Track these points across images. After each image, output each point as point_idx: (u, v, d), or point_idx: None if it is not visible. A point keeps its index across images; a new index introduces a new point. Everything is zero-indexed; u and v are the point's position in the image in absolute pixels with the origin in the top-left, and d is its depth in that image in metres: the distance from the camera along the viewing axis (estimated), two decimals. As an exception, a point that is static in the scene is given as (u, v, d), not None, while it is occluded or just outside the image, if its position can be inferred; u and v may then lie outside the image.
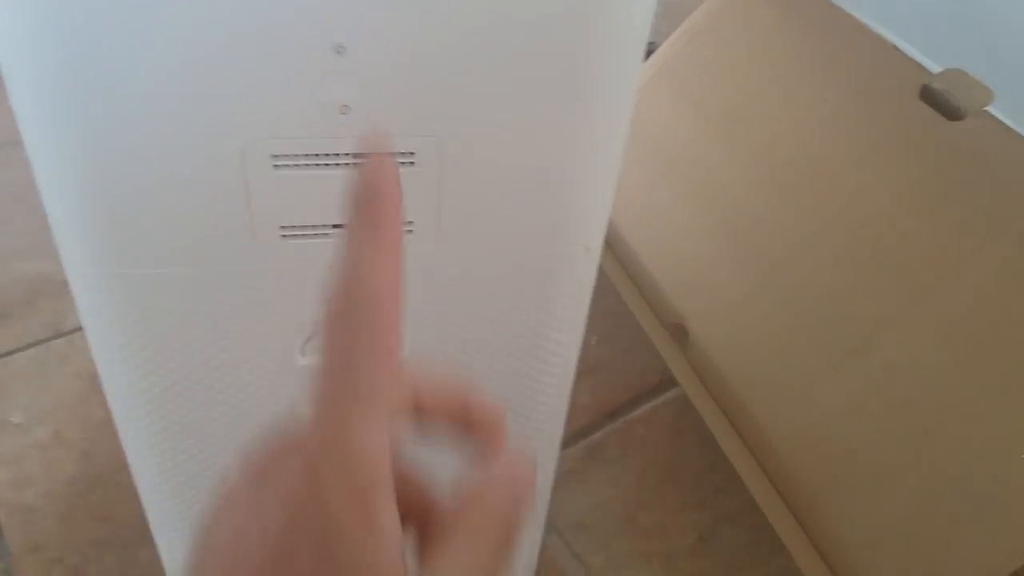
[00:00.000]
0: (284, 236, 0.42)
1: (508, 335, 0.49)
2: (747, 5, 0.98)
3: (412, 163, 0.40)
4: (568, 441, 0.88)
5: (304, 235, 0.42)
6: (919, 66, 0.85)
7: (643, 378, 0.95)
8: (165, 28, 0.34)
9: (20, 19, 0.34)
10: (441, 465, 0.22)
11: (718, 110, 0.96)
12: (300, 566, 0.18)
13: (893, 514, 0.72)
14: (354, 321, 0.19)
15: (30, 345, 0.93)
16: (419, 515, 0.22)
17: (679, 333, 0.95)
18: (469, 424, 0.22)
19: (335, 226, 0.42)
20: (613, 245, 1.04)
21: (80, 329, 0.98)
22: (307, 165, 0.39)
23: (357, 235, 0.20)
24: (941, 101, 0.82)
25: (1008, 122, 0.76)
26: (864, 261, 0.79)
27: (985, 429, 0.68)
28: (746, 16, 0.98)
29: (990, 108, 0.79)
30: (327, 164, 0.39)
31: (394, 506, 0.18)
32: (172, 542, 0.59)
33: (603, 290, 0.77)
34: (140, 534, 0.77)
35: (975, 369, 0.69)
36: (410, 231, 0.43)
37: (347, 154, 0.39)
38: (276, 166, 0.39)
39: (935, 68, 0.83)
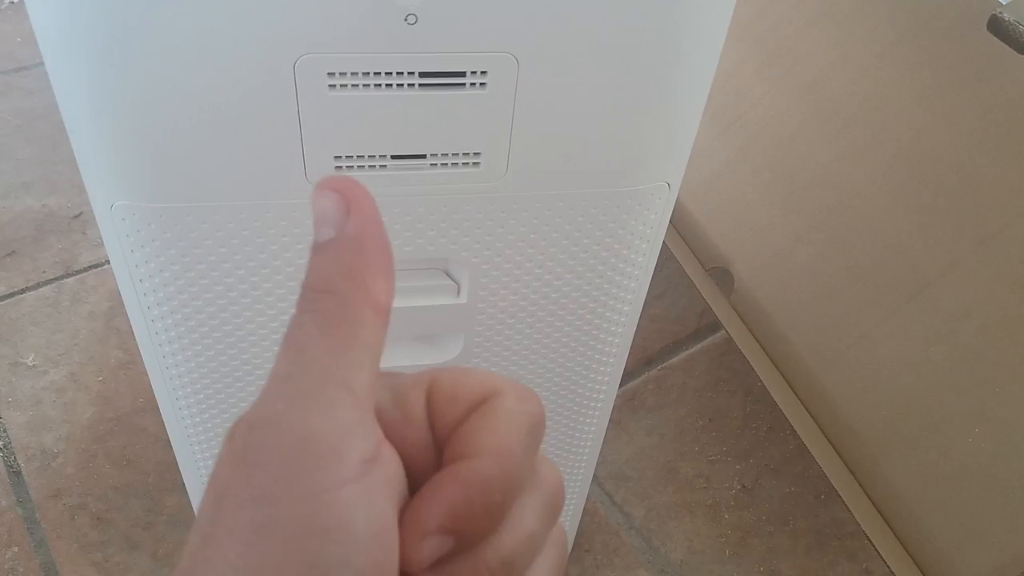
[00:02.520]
0: (338, 167, 0.37)
1: (577, 277, 0.45)
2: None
3: (483, 84, 0.35)
4: (604, 388, 0.85)
5: (360, 166, 0.37)
6: (987, -7, 0.79)
7: (680, 324, 0.91)
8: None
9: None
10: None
11: (761, 41, 0.90)
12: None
13: (953, 466, 0.69)
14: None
15: (40, 284, 0.89)
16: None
17: (723, 277, 0.91)
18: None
19: (394, 157, 0.37)
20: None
21: (92, 268, 0.94)
22: (366, 85, 0.35)
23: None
24: (1011, 32, 0.76)
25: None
26: (925, 203, 0.75)
27: (1053, 381, 0.65)
28: (798, -62, 0.91)
29: (1065, 39, 0.74)
30: (388, 84, 0.35)
31: (368, 494, 0.15)
32: (202, 489, 0.56)
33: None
34: (165, 480, 0.75)
35: (1045, 318, 0.66)
36: (476, 164, 0.38)
37: (411, 73, 0.35)
38: (332, 85, 0.34)
39: (1004, -4, 0.77)
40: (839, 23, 0.84)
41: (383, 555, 0.15)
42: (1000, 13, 0.75)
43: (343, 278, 0.17)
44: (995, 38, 0.75)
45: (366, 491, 0.15)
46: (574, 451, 0.59)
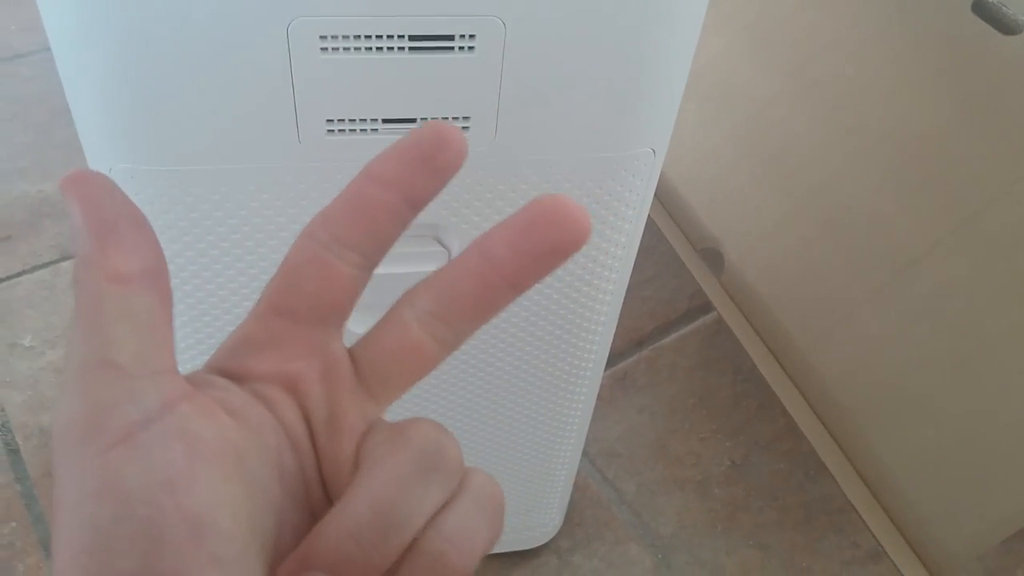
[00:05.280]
0: (330, 131, 0.38)
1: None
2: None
3: (472, 48, 0.36)
4: (596, 368, 0.86)
5: (352, 130, 0.38)
6: (972, -23, 0.80)
7: (671, 305, 0.93)
8: None
9: None
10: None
11: (750, 27, 0.91)
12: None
13: (939, 440, 0.70)
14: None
15: (37, 267, 0.90)
16: None
17: (713, 257, 0.92)
18: None
19: (385, 121, 0.38)
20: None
21: (88, 252, 0.94)
22: (357, 48, 0.35)
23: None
24: (995, 14, 0.77)
25: (1072, 34, 0.72)
26: (910, 183, 0.76)
27: (1035, 355, 0.66)
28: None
29: (1048, 21, 0.75)
30: (379, 48, 0.36)
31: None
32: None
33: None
34: (161, 458, 0.76)
35: (1027, 293, 0.67)
36: (466, 128, 0.39)
37: (401, 36, 0.35)
38: (324, 48, 0.35)
39: (989, -21, 0.78)
40: (827, 6, 0.85)
41: (177, 500, 0.16)
42: (984, -5, 0.76)
43: (80, 267, 0.18)
44: (979, 19, 0.76)
45: (138, 450, 0.16)
46: (562, 426, 0.60)
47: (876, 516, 0.77)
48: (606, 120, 0.41)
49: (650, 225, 0.98)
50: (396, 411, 0.21)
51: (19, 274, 0.89)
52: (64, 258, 0.91)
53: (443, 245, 0.46)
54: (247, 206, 0.40)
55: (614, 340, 0.55)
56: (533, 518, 0.69)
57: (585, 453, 0.79)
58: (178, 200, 0.39)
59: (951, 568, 0.73)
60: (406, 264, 0.46)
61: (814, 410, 0.83)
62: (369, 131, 0.39)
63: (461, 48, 0.36)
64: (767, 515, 0.77)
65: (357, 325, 0.49)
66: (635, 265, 0.51)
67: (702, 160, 0.93)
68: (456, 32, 0.36)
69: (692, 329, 0.90)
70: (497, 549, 0.71)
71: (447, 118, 0.39)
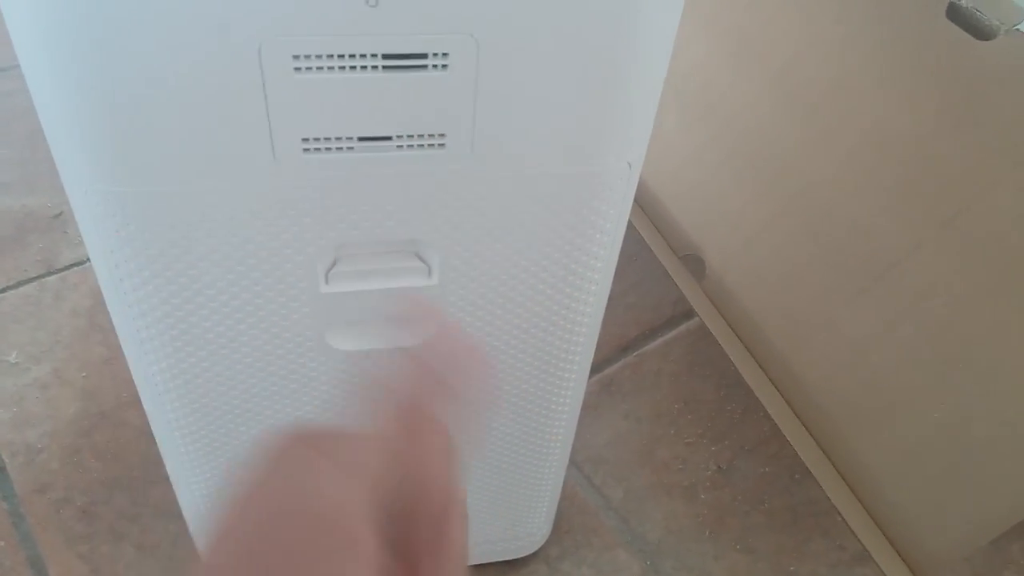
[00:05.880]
0: (306, 150, 0.38)
1: (544, 258, 0.46)
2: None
3: (445, 66, 0.37)
4: (582, 375, 0.86)
5: (327, 148, 0.39)
6: (947, -18, 0.80)
7: (655, 312, 0.93)
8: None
9: None
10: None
11: (729, 31, 0.92)
12: None
13: (923, 441, 0.71)
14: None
15: (22, 283, 0.90)
16: None
17: (695, 264, 0.93)
18: None
19: (361, 139, 0.39)
20: (624, 175, 1.00)
21: (74, 266, 0.94)
22: (331, 68, 0.36)
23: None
24: (969, 19, 0.78)
25: (1045, 38, 0.72)
26: (889, 186, 0.76)
27: (1014, 356, 0.66)
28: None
29: (1022, 26, 0.76)
30: (352, 66, 0.36)
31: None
32: (187, 480, 0.57)
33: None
34: (149, 473, 0.76)
35: (1005, 294, 0.67)
36: (442, 145, 0.40)
37: (374, 55, 0.36)
38: (297, 68, 0.35)
39: (964, -16, 0.79)
40: (805, 11, 0.86)
41: None
42: (958, 0, 0.77)
43: None
44: (954, 25, 0.77)
45: None
46: (548, 436, 0.61)
47: (860, 519, 0.77)
48: (581, 135, 0.41)
49: (632, 233, 0.99)
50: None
51: (4, 289, 0.89)
52: (49, 272, 0.91)
53: (423, 261, 0.46)
54: (224, 226, 0.40)
55: (599, 347, 0.55)
56: (521, 528, 0.69)
57: (572, 460, 0.79)
58: (154, 221, 0.39)
59: (937, 570, 0.73)
60: (387, 280, 0.46)
61: (797, 414, 0.83)
62: (345, 149, 0.39)
63: (435, 66, 0.37)
64: (754, 519, 0.77)
65: (342, 341, 0.50)
66: (618, 272, 0.51)
67: (683, 167, 0.94)
68: (429, 50, 0.36)
69: (676, 335, 0.91)
70: (485, 559, 0.71)
71: (423, 135, 0.39)
